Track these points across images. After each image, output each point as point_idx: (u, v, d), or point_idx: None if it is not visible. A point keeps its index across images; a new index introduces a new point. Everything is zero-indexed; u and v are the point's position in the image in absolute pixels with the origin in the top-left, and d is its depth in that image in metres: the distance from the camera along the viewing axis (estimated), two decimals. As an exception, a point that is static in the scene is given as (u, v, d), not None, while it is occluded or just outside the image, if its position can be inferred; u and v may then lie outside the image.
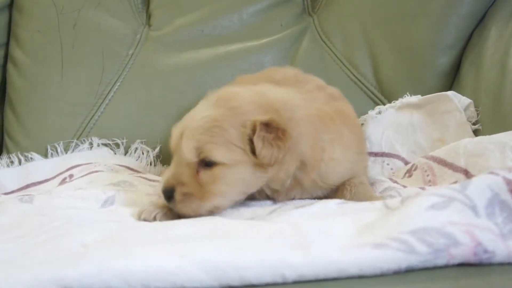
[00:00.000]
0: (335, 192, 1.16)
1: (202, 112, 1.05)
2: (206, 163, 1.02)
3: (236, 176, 1.03)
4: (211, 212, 1.02)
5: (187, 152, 1.02)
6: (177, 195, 1.01)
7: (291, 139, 1.02)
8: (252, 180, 1.04)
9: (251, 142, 1.01)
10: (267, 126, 1.01)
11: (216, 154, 1.01)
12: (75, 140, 1.51)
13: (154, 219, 1.01)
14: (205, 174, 1.02)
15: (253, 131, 1.01)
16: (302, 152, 1.06)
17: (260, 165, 1.03)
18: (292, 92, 1.12)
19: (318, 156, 1.08)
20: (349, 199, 1.11)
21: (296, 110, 1.07)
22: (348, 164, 1.14)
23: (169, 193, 1.02)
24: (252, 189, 1.07)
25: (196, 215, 1.01)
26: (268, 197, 1.12)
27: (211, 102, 1.06)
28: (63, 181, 1.36)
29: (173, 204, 1.02)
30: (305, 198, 1.12)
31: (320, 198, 1.13)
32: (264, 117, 1.02)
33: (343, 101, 1.29)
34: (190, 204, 1.01)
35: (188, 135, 1.03)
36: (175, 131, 1.06)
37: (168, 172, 1.06)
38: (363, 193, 1.13)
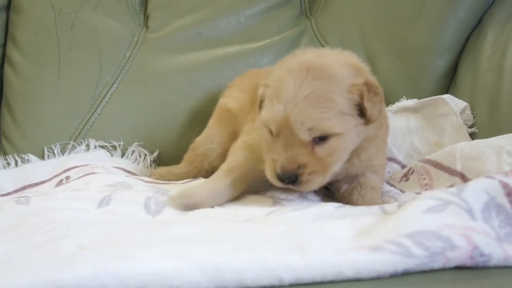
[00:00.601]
0: (349, 184, 1.18)
1: (300, 88, 1.04)
2: (320, 138, 1.04)
3: (349, 140, 1.08)
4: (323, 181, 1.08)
5: (301, 133, 1.03)
6: (304, 177, 1.04)
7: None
8: (357, 140, 1.09)
9: (357, 105, 1.05)
10: (367, 86, 1.05)
11: (333, 127, 1.04)
12: (72, 142, 1.51)
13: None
14: (321, 149, 1.05)
15: (360, 95, 1.05)
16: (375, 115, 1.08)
17: (364, 124, 1.08)
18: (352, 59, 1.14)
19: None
20: (355, 200, 1.13)
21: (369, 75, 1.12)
22: (383, 149, 1.22)
23: (293, 177, 1.04)
24: (353, 148, 1.11)
25: (319, 187, 1.08)
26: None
27: (300, 74, 1.05)
28: (60, 183, 1.36)
29: (297, 186, 1.05)
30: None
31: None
32: (361, 80, 1.06)
33: None
34: (316, 180, 1.06)
35: (298, 116, 1.03)
36: (278, 113, 1.04)
37: (281, 155, 1.05)
38: (370, 198, 1.15)
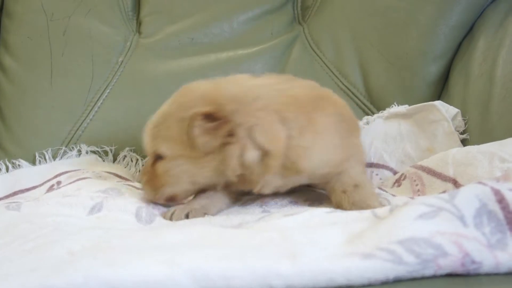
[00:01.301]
0: (330, 191, 1.18)
1: (161, 108, 1.16)
2: (158, 156, 1.13)
3: (179, 168, 1.11)
4: (169, 199, 1.16)
5: (145, 145, 1.16)
6: (142, 182, 1.18)
7: (233, 129, 1.06)
8: (195, 170, 1.11)
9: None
10: (207, 117, 1.06)
11: (161, 148, 1.12)
12: (63, 148, 1.50)
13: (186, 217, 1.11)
14: (158, 166, 1.14)
15: (191, 122, 1.07)
16: (259, 142, 1.06)
17: (199, 156, 1.09)
18: (261, 84, 1.14)
19: (280, 144, 1.08)
20: (348, 210, 1.11)
21: (243, 100, 1.08)
22: (322, 150, 1.12)
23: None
24: (203, 180, 1.13)
25: (156, 200, 1.16)
26: (245, 190, 1.19)
27: (171, 97, 1.16)
28: (51, 188, 1.35)
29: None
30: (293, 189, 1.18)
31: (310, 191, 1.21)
32: (203, 109, 1.06)
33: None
34: (148, 191, 1.16)
35: (146, 130, 1.15)
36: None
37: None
38: (361, 201, 1.13)
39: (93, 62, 1.56)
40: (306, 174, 1.13)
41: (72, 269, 0.70)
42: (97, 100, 1.54)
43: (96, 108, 1.53)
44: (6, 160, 1.48)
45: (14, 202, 1.27)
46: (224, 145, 1.07)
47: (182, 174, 1.12)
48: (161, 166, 1.13)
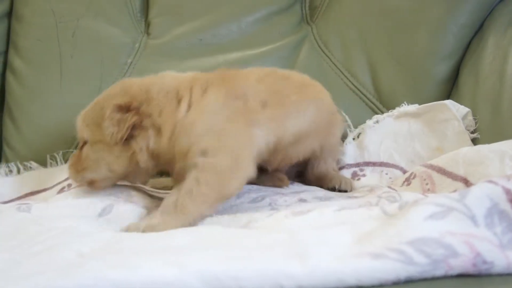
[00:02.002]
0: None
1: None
2: (85, 141, 1.19)
3: (98, 154, 1.17)
4: (90, 184, 1.20)
5: (77, 130, 1.21)
6: (69, 163, 1.22)
7: (142, 120, 1.14)
8: (111, 159, 1.16)
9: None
10: (120, 109, 1.13)
11: (84, 133, 1.18)
12: (74, 150, 1.51)
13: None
14: (83, 150, 1.19)
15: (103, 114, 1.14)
16: (155, 124, 1.14)
17: (114, 145, 1.14)
18: (165, 75, 1.23)
19: (169, 120, 1.13)
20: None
21: (152, 90, 1.16)
22: (202, 125, 1.12)
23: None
24: (119, 168, 1.18)
25: (78, 183, 1.21)
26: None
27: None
28: (62, 190, 1.35)
29: None
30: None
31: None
32: (115, 101, 1.14)
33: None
34: (71, 173, 1.21)
35: (79, 115, 1.21)
36: None
37: None
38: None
39: (102, 63, 1.56)
40: (184, 156, 1.12)
41: (81, 271, 0.70)
42: (107, 101, 1.54)
43: (105, 109, 1.53)
44: (17, 162, 1.49)
45: (24, 204, 1.28)
46: (132, 136, 1.14)
47: (100, 160, 1.17)
48: (84, 150, 1.19)
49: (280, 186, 1.32)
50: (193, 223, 1.05)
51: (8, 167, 1.49)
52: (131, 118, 1.12)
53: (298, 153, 1.28)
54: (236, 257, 0.74)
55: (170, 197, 1.06)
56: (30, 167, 1.48)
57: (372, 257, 0.72)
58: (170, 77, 1.22)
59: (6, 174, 1.47)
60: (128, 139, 1.14)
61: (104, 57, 1.57)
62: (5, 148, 1.54)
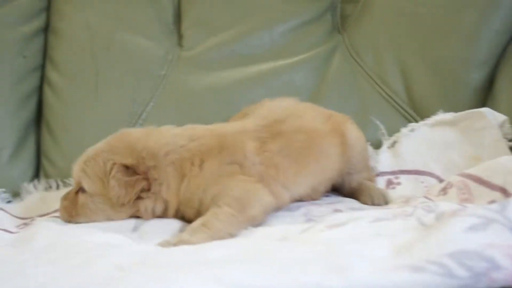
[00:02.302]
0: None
1: (96, 145, 1.24)
2: (82, 188, 1.21)
3: (97, 205, 1.20)
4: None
5: (73, 175, 1.23)
6: (60, 205, 1.24)
7: (150, 185, 1.18)
8: (111, 212, 1.21)
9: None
10: (127, 169, 1.17)
11: (84, 183, 1.20)
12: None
13: None
14: (80, 197, 1.21)
15: (111, 170, 1.17)
16: (165, 197, 1.19)
17: (120, 206, 1.18)
18: (173, 136, 1.23)
19: (176, 198, 1.19)
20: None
21: (158, 155, 1.19)
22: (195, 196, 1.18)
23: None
24: (120, 218, 1.21)
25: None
26: None
27: (109, 137, 1.26)
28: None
29: None
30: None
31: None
32: (125, 160, 1.17)
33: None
34: (64, 216, 1.23)
35: (78, 160, 1.23)
36: None
37: None
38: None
39: (136, 75, 1.58)
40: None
41: (122, 285, 0.71)
42: (141, 112, 1.56)
43: (140, 121, 1.55)
44: (58, 179, 1.51)
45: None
46: (139, 198, 1.18)
47: (99, 211, 1.21)
48: (82, 198, 1.21)
49: (314, 199, 1.32)
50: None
51: (48, 183, 1.51)
52: (139, 183, 1.17)
53: (322, 190, 1.33)
54: (274, 271, 0.74)
55: (196, 222, 1.09)
56: (70, 184, 1.49)
57: (412, 270, 0.71)
58: (173, 137, 1.23)
59: (46, 190, 1.49)
60: (135, 200, 1.19)
61: (138, 69, 1.59)
62: (44, 162, 1.57)
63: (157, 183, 1.18)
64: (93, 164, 1.20)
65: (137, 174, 1.17)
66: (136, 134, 1.24)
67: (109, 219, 1.21)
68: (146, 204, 1.19)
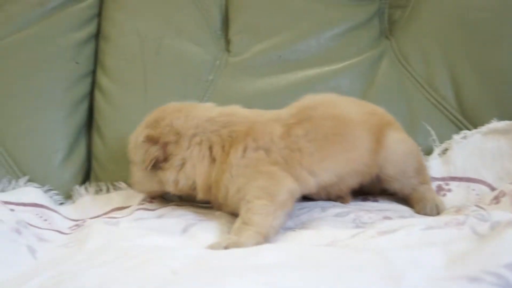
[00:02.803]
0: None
1: None
2: None
3: (135, 173, 1.34)
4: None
5: None
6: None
7: (168, 157, 1.26)
8: (144, 181, 1.32)
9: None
10: (149, 139, 1.27)
11: (128, 153, 1.35)
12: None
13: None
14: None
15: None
16: (188, 174, 1.26)
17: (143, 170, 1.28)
18: (208, 120, 1.28)
19: (202, 178, 1.25)
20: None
21: (182, 133, 1.26)
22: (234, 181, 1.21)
23: None
24: (154, 189, 1.34)
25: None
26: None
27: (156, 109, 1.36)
28: (143, 200, 1.39)
29: None
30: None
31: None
32: (150, 132, 1.28)
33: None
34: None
35: None
36: None
37: None
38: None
39: (184, 81, 1.60)
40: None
41: (178, 289, 0.72)
42: (190, 117, 1.57)
43: (188, 126, 1.56)
44: (107, 183, 1.54)
45: (113, 218, 1.33)
46: (161, 168, 1.27)
47: (138, 179, 1.34)
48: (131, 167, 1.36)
49: (342, 202, 1.32)
50: (267, 235, 1.08)
51: (98, 186, 1.54)
52: (154, 152, 1.25)
53: (350, 183, 1.30)
54: (327, 278, 0.74)
55: (236, 223, 1.12)
56: (120, 188, 1.52)
57: (469, 280, 0.70)
58: (205, 124, 1.27)
59: (97, 192, 1.52)
60: (157, 168, 1.28)
61: (187, 75, 1.61)
62: (95, 165, 1.60)
63: (177, 158, 1.25)
64: (133, 136, 1.33)
65: (158, 144, 1.26)
66: (171, 109, 1.32)
67: (146, 188, 1.35)
68: (167, 176, 1.27)
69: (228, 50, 1.66)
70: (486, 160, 1.37)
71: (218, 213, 1.29)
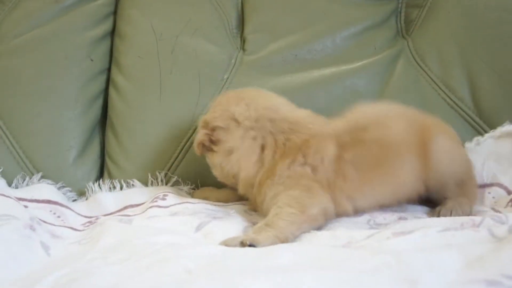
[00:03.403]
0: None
1: None
2: None
3: (210, 158, 1.33)
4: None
5: None
6: None
7: (216, 141, 1.28)
8: (217, 164, 1.31)
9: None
10: (204, 123, 1.30)
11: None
12: (175, 177, 1.53)
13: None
14: None
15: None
16: (235, 164, 1.28)
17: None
18: (268, 119, 1.27)
19: (246, 173, 1.26)
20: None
21: (243, 128, 1.26)
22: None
23: None
24: (223, 172, 1.31)
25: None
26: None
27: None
28: (156, 198, 1.39)
29: None
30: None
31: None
32: (205, 116, 1.32)
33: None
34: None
35: None
36: None
37: None
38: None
39: (199, 79, 1.60)
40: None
41: (192, 289, 0.72)
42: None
43: (203, 124, 1.56)
44: (121, 180, 1.53)
45: (126, 216, 1.33)
46: (209, 151, 1.30)
47: (217, 164, 1.32)
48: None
49: None
50: (285, 241, 1.07)
51: (112, 183, 1.53)
52: (200, 136, 1.29)
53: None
54: (342, 280, 0.73)
55: (259, 222, 1.12)
56: (133, 185, 1.52)
57: (487, 283, 0.70)
58: (264, 123, 1.27)
59: (110, 190, 1.52)
60: (207, 151, 1.31)
61: (202, 73, 1.60)
62: (108, 162, 1.59)
63: (225, 144, 1.27)
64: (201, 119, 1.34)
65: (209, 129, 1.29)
66: (232, 93, 1.36)
67: (222, 173, 1.32)
68: (215, 158, 1.30)
69: (243, 49, 1.66)
70: (502, 165, 1.35)
71: (232, 211, 1.29)
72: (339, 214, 1.20)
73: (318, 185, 1.18)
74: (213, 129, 1.28)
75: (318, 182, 1.19)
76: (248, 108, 1.28)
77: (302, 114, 1.31)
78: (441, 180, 1.26)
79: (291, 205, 1.13)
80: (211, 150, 1.30)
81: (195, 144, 1.32)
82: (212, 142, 1.29)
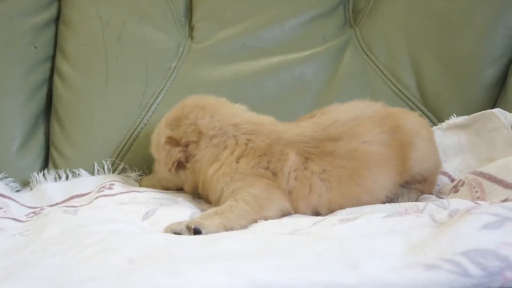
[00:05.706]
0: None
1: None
2: None
3: (160, 171, 1.35)
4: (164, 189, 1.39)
5: None
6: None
7: (188, 158, 1.27)
8: (169, 177, 1.34)
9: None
10: (170, 141, 1.27)
11: (151, 150, 1.37)
12: (122, 164, 1.52)
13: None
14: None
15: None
16: (198, 173, 1.27)
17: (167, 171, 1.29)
18: (232, 124, 1.26)
19: (203, 177, 1.26)
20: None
21: (203, 132, 1.25)
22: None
23: None
24: (178, 185, 1.36)
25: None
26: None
27: (179, 103, 1.35)
28: (103, 187, 1.37)
29: None
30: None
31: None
32: (172, 133, 1.28)
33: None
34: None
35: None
36: None
37: None
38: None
39: (147, 67, 1.57)
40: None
41: (133, 280, 0.70)
42: (151, 104, 1.55)
43: (150, 113, 1.54)
44: (67, 170, 1.50)
45: (71, 207, 1.30)
46: (183, 167, 1.29)
47: (163, 176, 1.36)
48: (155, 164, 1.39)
49: None
50: (230, 230, 1.07)
51: (58, 173, 1.50)
52: (176, 155, 1.26)
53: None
54: (287, 266, 0.73)
55: (210, 209, 1.12)
56: (79, 174, 1.49)
57: (426, 268, 0.71)
58: (227, 128, 1.25)
59: (55, 180, 1.49)
60: (179, 168, 1.29)
61: (149, 61, 1.58)
62: (53, 152, 1.56)
63: (195, 159, 1.26)
64: (156, 133, 1.34)
65: (179, 146, 1.27)
66: (195, 106, 1.30)
67: (172, 183, 1.36)
68: (186, 175, 1.30)
69: (191, 37, 1.64)
70: (448, 156, 1.39)
71: (180, 198, 1.28)
72: (298, 213, 1.18)
73: (279, 188, 1.17)
74: (187, 145, 1.27)
75: (279, 189, 1.17)
76: (213, 120, 1.26)
77: (266, 118, 1.29)
78: (411, 179, 1.26)
79: (247, 203, 1.11)
80: (184, 167, 1.29)
81: (168, 164, 1.27)
82: (187, 158, 1.28)
